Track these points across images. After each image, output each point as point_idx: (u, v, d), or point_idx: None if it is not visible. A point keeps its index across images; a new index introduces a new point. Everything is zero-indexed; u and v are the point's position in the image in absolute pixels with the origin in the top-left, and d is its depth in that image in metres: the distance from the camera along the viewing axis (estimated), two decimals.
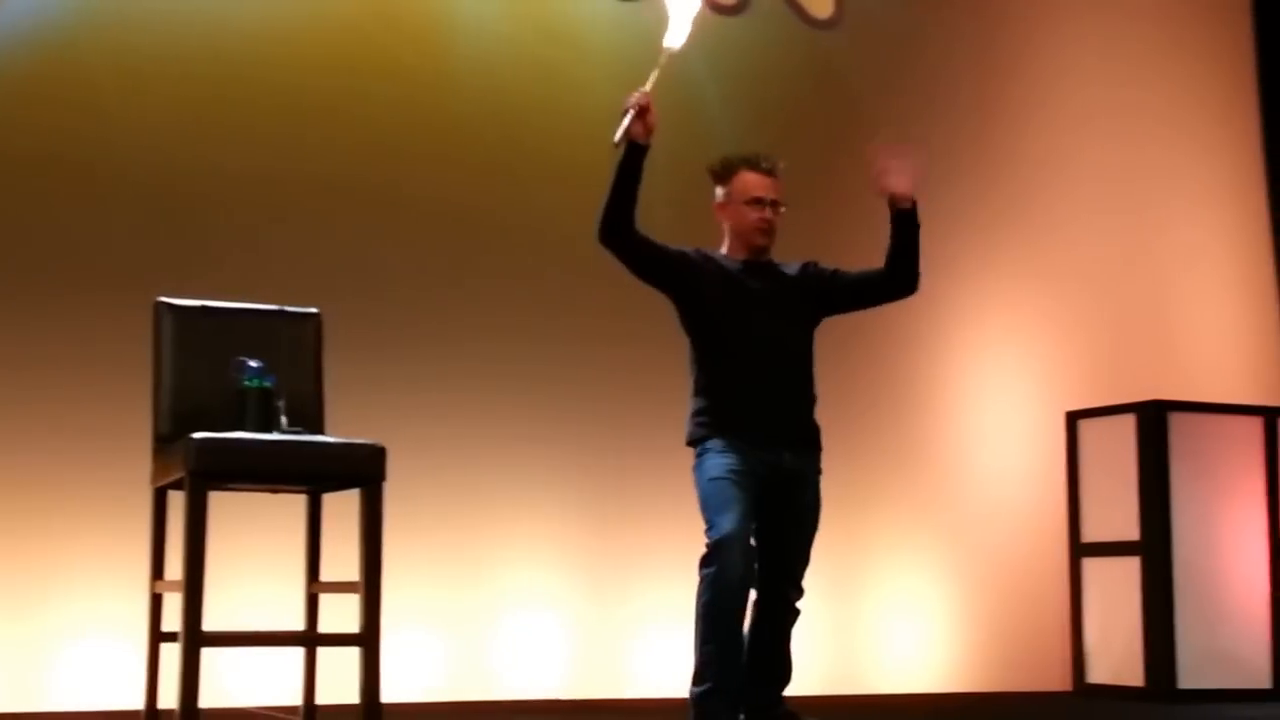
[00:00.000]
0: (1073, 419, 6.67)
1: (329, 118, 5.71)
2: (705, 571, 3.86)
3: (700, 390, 4.07)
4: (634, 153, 3.91)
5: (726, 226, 4.17)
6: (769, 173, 4.15)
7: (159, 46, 5.49)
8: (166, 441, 3.78)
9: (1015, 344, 6.85)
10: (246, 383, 3.74)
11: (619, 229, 3.94)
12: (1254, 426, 6.45)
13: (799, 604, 4.07)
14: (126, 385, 4.49)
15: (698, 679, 3.89)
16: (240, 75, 5.60)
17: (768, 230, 4.12)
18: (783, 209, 4.16)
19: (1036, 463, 6.73)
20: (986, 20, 7.03)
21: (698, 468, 4.01)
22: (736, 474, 3.92)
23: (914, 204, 4.10)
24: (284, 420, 3.73)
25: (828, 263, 4.25)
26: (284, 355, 3.88)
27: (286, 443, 3.66)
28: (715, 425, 3.98)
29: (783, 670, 4.10)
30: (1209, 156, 7.43)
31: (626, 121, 3.87)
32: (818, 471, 4.10)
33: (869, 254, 6.53)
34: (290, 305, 4.06)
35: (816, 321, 4.17)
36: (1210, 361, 7.18)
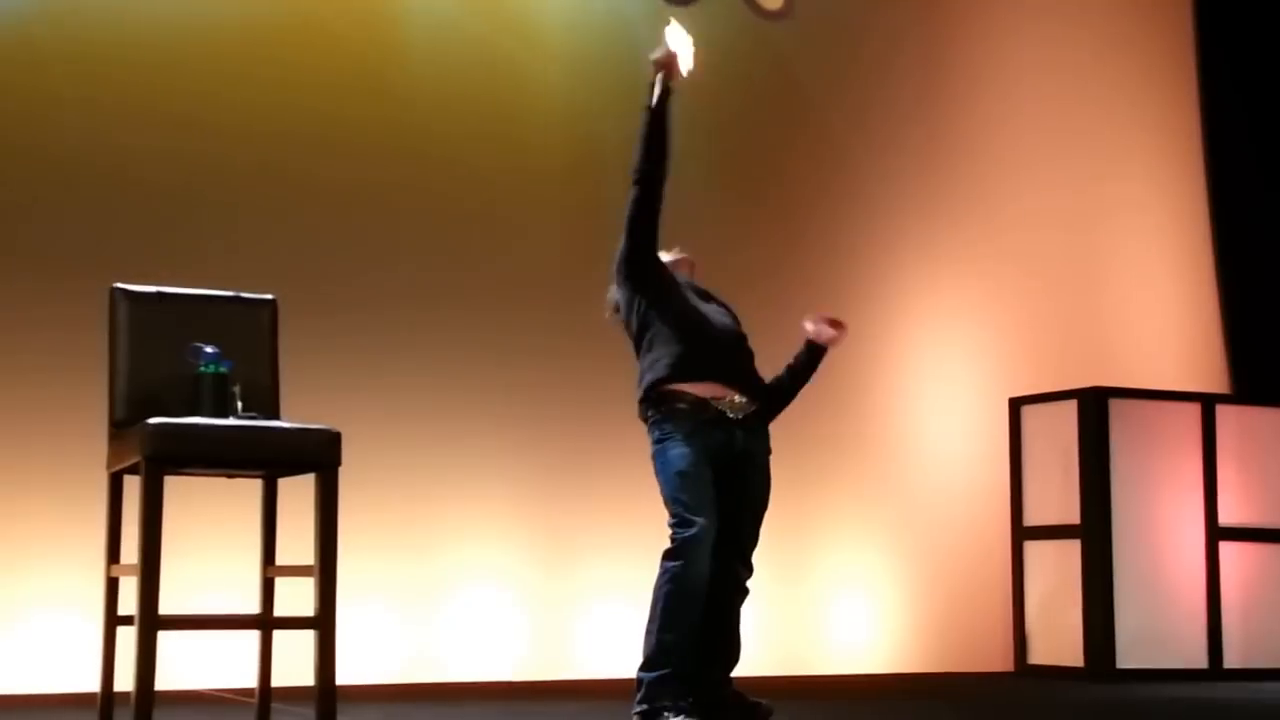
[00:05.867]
0: (1015, 405, 6.78)
1: (284, 108, 5.74)
2: (671, 565, 3.93)
3: (654, 365, 4.09)
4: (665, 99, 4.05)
5: None
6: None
7: (112, 33, 5.49)
8: (122, 427, 3.78)
9: (959, 332, 6.96)
10: (202, 368, 3.76)
11: (650, 250, 4.11)
12: (1192, 412, 6.58)
13: (748, 583, 4.16)
14: (82, 371, 4.50)
15: (651, 665, 3.95)
16: (194, 64, 5.61)
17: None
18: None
19: (980, 448, 6.84)
20: (933, 12, 7.13)
21: (660, 456, 4.05)
22: (701, 465, 3.99)
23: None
24: (239, 406, 3.75)
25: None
26: (240, 341, 3.89)
27: (242, 428, 3.67)
28: (670, 410, 4.04)
29: (732, 650, 4.18)
30: (1151, 142, 7.56)
31: (659, 84, 4.03)
32: (768, 451, 4.19)
33: (818, 240, 6.67)
34: (246, 292, 4.08)
35: None
36: (1150, 349, 7.32)
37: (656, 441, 4.08)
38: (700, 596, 3.94)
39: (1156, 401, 6.55)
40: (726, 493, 4.06)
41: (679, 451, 4.01)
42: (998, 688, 6.02)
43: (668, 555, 3.97)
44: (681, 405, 4.02)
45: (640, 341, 4.16)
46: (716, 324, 4.14)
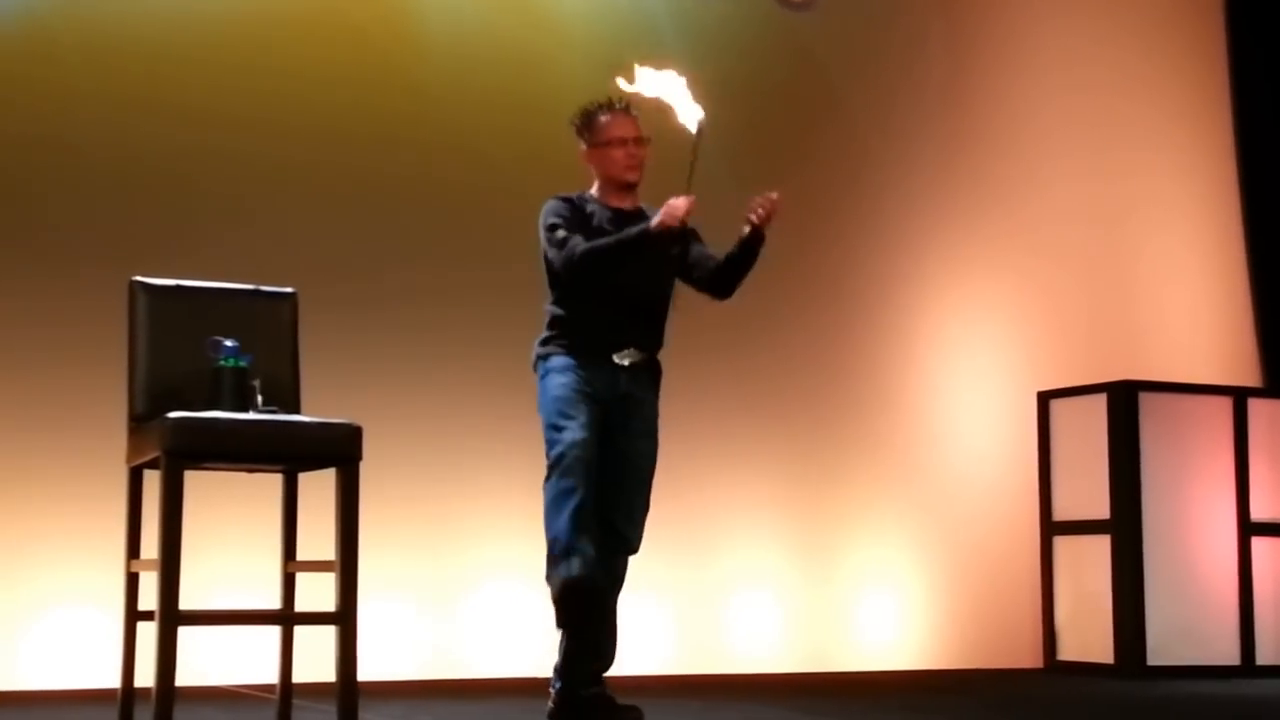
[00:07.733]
0: (1044, 399, 6.72)
1: (304, 100, 5.72)
2: (550, 575, 3.87)
3: (552, 324, 4.08)
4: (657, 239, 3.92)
5: (595, 172, 4.19)
6: (625, 112, 4.15)
7: (128, 25, 5.48)
8: (142, 421, 3.76)
9: (987, 326, 6.89)
10: (222, 362, 3.73)
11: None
12: (1223, 406, 6.51)
13: (626, 566, 4.03)
14: (101, 364, 4.49)
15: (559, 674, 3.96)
16: (213, 56, 5.60)
17: (635, 166, 4.12)
18: (648, 142, 4.14)
19: (1009, 442, 6.78)
20: (958, 3, 7.06)
21: (540, 386, 4.01)
22: (578, 396, 3.92)
23: (764, 234, 4.07)
24: (259, 400, 3.72)
25: (694, 223, 4.18)
26: (260, 335, 3.86)
27: (262, 422, 3.65)
28: (560, 348, 4.01)
29: (606, 647, 4.05)
30: (1181, 133, 7.48)
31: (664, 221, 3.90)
32: (655, 398, 4.08)
33: (843, 233, 6.62)
34: (266, 285, 4.05)
35: (674, 275, 4.15)
36: (1181, 342, 7.25)
37: (541, 376, 4.03)
38: (591, 591, 3.85)
39: (1187, 395, 6.48)
40: (607, 443, 3.95)
41: (556, 381, 3.95)
42: (1027, 684, 5.97)
43: (547, 564, 3.89)
44: (567, 347, 4.00)
45: (553, 288, 4.11)
46: (629, 296, 4.01)
